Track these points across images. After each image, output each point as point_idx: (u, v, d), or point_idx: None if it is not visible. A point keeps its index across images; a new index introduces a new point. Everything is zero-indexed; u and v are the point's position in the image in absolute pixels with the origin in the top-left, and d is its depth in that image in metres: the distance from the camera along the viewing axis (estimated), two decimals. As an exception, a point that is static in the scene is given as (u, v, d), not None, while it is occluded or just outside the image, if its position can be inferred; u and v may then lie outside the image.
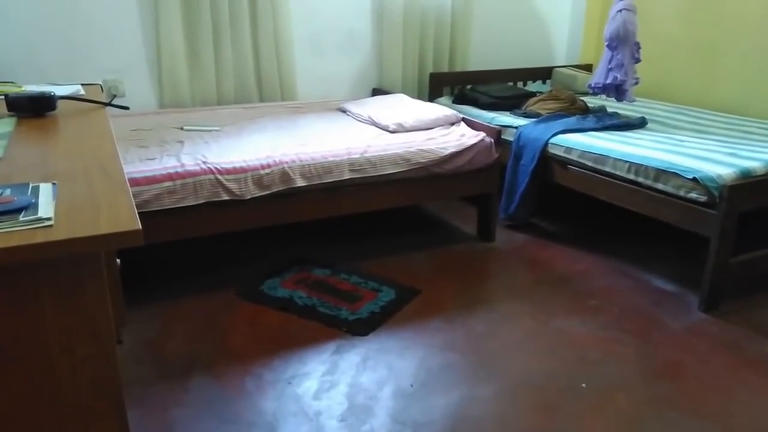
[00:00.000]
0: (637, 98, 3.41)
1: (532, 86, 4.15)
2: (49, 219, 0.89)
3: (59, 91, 1.78)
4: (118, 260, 1.66)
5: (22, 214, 0.91)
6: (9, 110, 1.60)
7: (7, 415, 0.93)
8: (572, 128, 3.03)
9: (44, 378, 0.93)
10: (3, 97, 1.65)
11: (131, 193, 1.04)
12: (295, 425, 1.79)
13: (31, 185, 1.04)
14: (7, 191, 1.01)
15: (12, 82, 1.93)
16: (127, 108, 1.86)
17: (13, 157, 1.24)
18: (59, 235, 0.86)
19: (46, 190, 1.02)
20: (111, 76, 3.17)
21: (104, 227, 0.88)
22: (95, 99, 1.77)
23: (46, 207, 0.94)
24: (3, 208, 0.91)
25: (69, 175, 1.12)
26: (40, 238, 0.85)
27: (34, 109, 1.59)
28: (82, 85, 1.99)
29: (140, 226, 0.89)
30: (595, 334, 2.27)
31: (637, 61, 3.16)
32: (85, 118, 1.63)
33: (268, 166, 2.46)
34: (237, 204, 2.42)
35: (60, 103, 1.67)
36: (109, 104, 1.78)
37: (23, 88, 1.82)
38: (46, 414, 0.95)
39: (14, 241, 0.83)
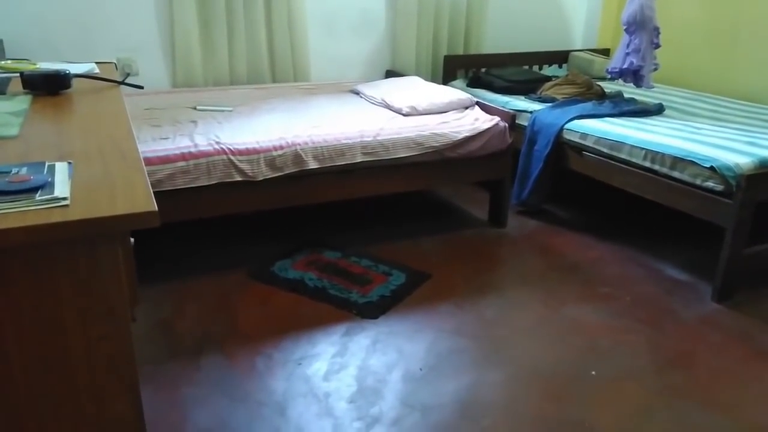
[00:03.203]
0: (655, 84, 3.35)
1: (548, 70, 4.10)
2: (65, 198, 0.89)
3: (74, 69, 1.78)
4: (131, 239, 1.67)
5: (39, 193, 0.91)
6: (24, 88, 1.60)
7: (23, 393, 0.94)
8: (588, 114, 2.99)
9: (60, 356, 0.94)
10: (18, 74, 1.65)
11: (144, 167, 1.04)
12: (305, 406, 1.80)
13: (47, 164, 1.04)
14: (24, 170, 1.01)
15: (27, 60, 1.93)
16: (141, 87, 1.85)
17: (28, 135, 1.25)
18: (75, 215, 0.86)
19: (62, 169, 1.02)
20: (124, 54, 3.16)
21: (120, 207, 0.88)
22: (110, 78, 1.76)
23: (62, 186, 0.94)
24: (19, 187, 0.91)
25: (84, 155, 1.12)
26: (56, 217, 0.85)
27: (49, 87, 1.60)
28: (96, 63, 1.99)
29: (156, 207, 0.89)
30: (606, 322, 2.26)
31: (657, 46, 3.10)
32: (99, 97, 1.62)
33: (281, 147, 2.46)
34: (249, 185, 2.42)
35: (74, 81, 1.66)
36: (123, 83, 1.77)
37: (38, 66, 1.82)
38: (61, 391, 0.96)
39: (30, 221, 0.83)
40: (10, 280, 0.88)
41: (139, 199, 0.91)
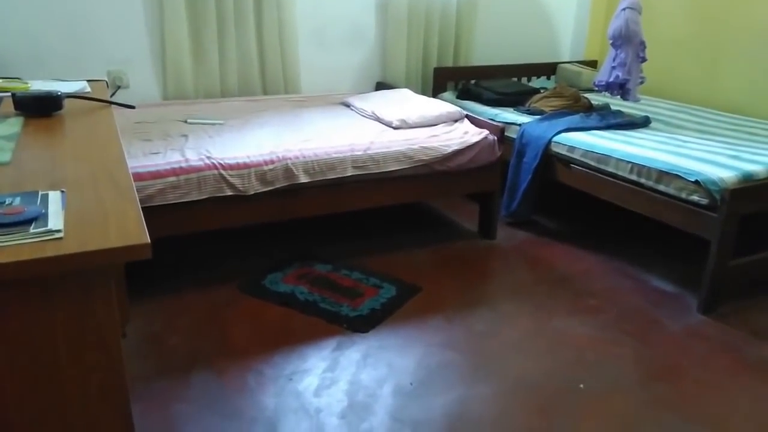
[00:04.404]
0: (642, 96, 3.40)
1: (536, 82, 4.14)
2: (59, 231, 0.90)
3: (65, 87, 1.79)
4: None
5: (33, 225, 0.92)
6: (16, 109, 1.61)
7: (17, 422, 0.95)
8: (575, 126, 3.03)
9: (52, 386, 0.95)
10: (10, 94, 1.66)
11: (137, 197, 1.06)
12: (296, 422, 1.81)
13: (40, 194, 1.05)
14: (17, 200, 1.01)
15: (18, 78, 1.93)
16: (132, 107, 1.86)
17: (21, 161, 1.25)
18: (69, 248, 0.87)
19: (55, 199, 1.02)
20: (115, 67, 3.16)
21: (113, 240, 0.90)
22: (101, 98, 1.77)
23: (55, 218, 0.95)
24: (13, 220, 0.92)
25: (77, 182, 1.13)
26: (50, 251, 0.86)
27: (40, 108, 1.60)
28: (87, 81, 2.00)
29: (149, 240, 0.90)
30: (594, 335, 2.29)
31: (643, 60, 3.15)
32: (91, 117, 1.63)
33: (272, 161, 2.47)
34: (240, 199, 2.43)
35: (66, 101, 1.67)
36: (115, 103, 1.78)
37: (29, 86, 1.82)
38: (53, 421, 0.97)
39: (25, 255, 0.84)
40: (2, 313, 0.89)
41: (131, 231, 0.92)
